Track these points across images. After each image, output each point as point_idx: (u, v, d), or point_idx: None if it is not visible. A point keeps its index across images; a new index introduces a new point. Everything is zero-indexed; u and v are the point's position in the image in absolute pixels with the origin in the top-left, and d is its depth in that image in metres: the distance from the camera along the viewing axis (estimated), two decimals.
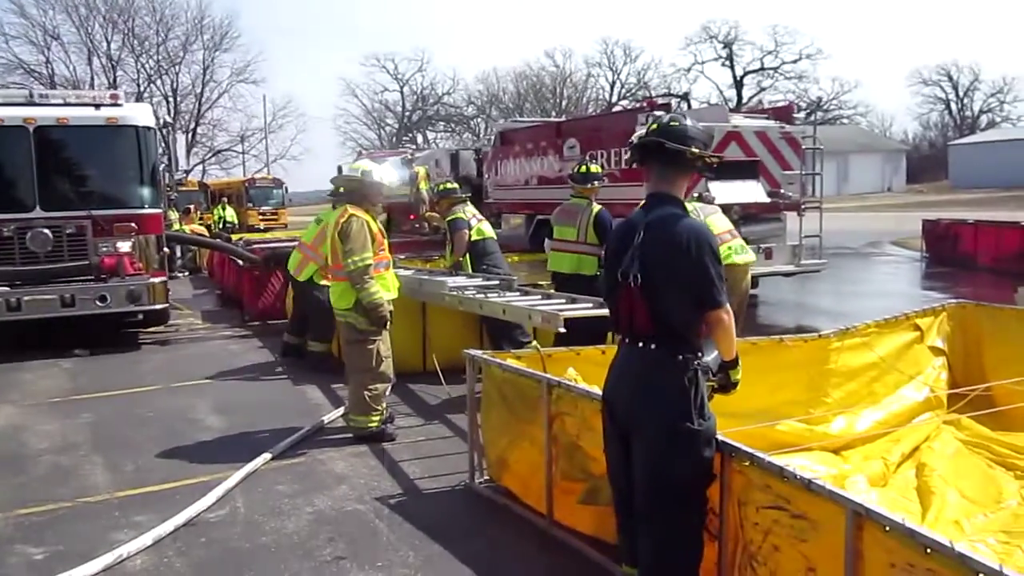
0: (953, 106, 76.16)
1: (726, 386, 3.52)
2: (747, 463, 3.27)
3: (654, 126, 3.53)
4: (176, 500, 5.24)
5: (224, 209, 26.77)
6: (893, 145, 70.55)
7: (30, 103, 10.68)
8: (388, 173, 6.99)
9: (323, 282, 8.31)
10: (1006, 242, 16.58)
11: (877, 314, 6.68)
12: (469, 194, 9.29)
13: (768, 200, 12.78)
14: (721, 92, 65.23)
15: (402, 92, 70.51)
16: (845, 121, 68.01)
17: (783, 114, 13.48)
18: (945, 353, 6.73)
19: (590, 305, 6.24)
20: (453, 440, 6.41)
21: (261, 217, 37.11)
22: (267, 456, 5.94)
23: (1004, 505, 4.75)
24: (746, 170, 12.59)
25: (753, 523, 3.20)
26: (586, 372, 5.22)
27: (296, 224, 36.31)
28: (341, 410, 7.13)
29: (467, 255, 8.48)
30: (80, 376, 9.04)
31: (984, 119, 74.45)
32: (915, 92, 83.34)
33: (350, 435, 6.46)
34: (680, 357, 3.32)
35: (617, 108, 61.48)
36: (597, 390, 4.34)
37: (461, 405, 7.01)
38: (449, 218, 8.56)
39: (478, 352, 5.37)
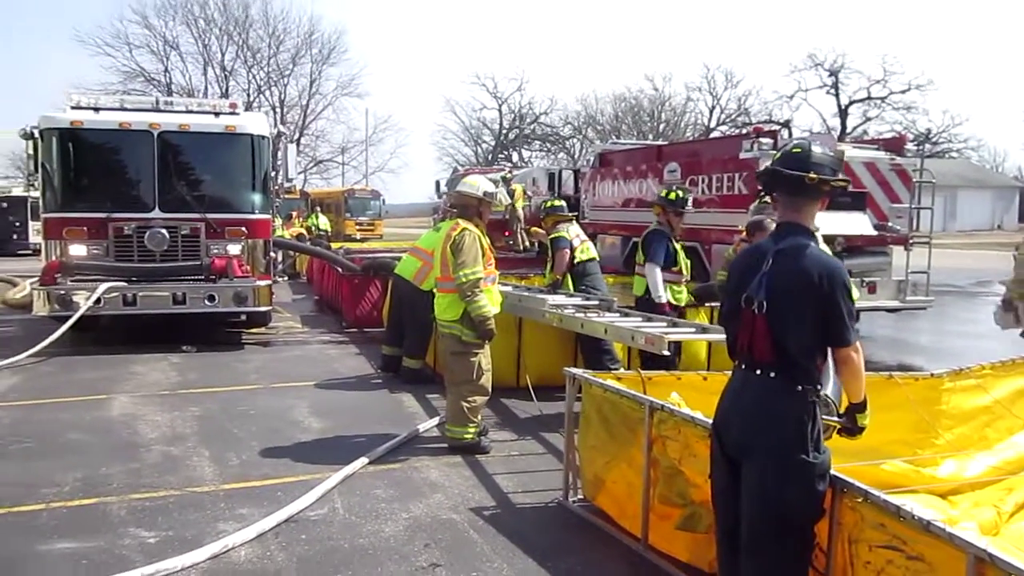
0: None
1: (851, 430, 3.46)
2: (860, 500, 3.20)
3: (777, 155, 3.52)
4: (277, 496, 5.41)
5: (317, 217, 27.49)
6: (1005, 181, 67.66)
7: (156, 109, 11.27)
8: (497, 190, 7.08)
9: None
10: None
11: (983, 355, 6.43)
12: (575, 214, 9.31)
13: (874, 233, 12.43)
14: (824, 121, 63.66)
15: (500, 110, 71.34)
16: (955, 155, 65.55)
17: (894, 145, 13.09)
18: None
19: (693, 329, 6.19)
20: (546, 457, 6.43)
21: (358, 227, 38.02)
22: (365, 460, 6.08)
23: None
24: (853, 201, 12.30)
25: (864, 562, 3.13)
26: (687, 397, 5.17)
27: (391, 235, 37.13)
28: (436, 420, 7.25)
29: (568, 274, 8.51)
30: (187, 371, 9.41)
31: None
32: None
33: (445, 445, 6.55)
34: (800, 388, 3.27)
35: (715, 134, 60.73)
36: (701, 415, 4.32)
37: (553, 422, 7.05)
38: (552, 236, 8.62)
39: (578, 370, 5.39)
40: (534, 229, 11.38)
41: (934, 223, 13.18)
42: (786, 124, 61.23)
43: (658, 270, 7.62)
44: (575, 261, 8.48)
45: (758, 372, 3.36)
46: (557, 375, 8.50)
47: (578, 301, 7.75)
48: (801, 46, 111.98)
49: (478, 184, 6.72)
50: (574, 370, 5.38)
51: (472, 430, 6.44)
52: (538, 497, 5.52)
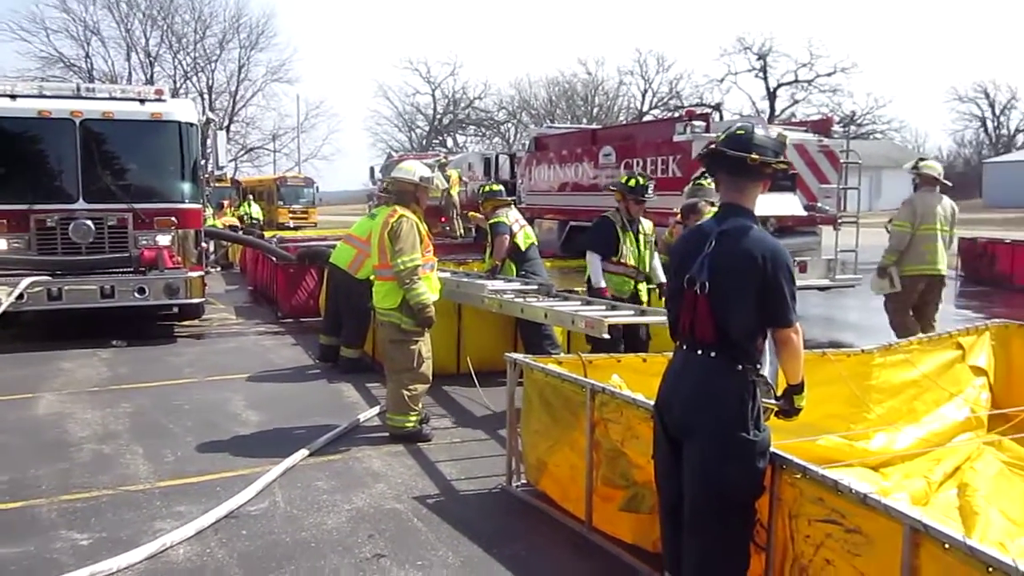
0: (989, 124, 75.24)
1: (788, 411, 3.51)
2: (799, 475, 3.26)
3: (721, 136, 3.55)
4: (216, 492, 5.30)
5: (250, 206, 27.00)
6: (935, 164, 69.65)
7: (77, 96, 10.86)
8: (433, 175, 7.02)
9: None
10: None
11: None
12: (513, 198, 9.27)
13: (804, 214, 12.70)
14: (754, 103, 64.88)
15: (434, 95, 70.83)
16: (879, 136, 67.39)
17: (822, 127, 13.38)
18: (987, 373, 6.65)
19: (631, 312, 6.24)
20: (488, 443, 6.43)
21: (291, 215, 37.43)
22: (305, 452, 5.99)
23: None
24: (783, 183, 12.53)
25: (804, 536, 3.19)
26: (628, 379, 5.21)
27: (325, 223, 36.65)
28: (377, 409, 7.18)
29: (507, 260, 8.49)
30: (118, 366, 9.15)
31: (1020, 138, 73.44)
32: (950, 109, 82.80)
33: (386, 434, 6.49)
34: (740, 367, 3.32)
35: (648, 117, 61.31)
36: (642, 397, 4.36)
37: (495, 408, 7.05)
38: (492, 221, 8.56)
39: (519, 356, 5.38)
40: (472, 214, 11.31)
41: (860, 203, 13.51)
42: (717, 107, 62.17)
43: (596, 257, 7.50)
44: (516, 247, 8.45)
45: (699, 352, 3.40)
46: (498, 360, 8.45)
47: (517, 286, 7.74)
48: (730, 30, 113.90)
49: (414, 169, 6.64)
50: (515, 355, 5.37)
51: (413, 418, 6.40)
52: (481, 483, 5.51)
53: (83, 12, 51.88)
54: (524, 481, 5.37)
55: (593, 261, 7.44)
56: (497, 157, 21.40)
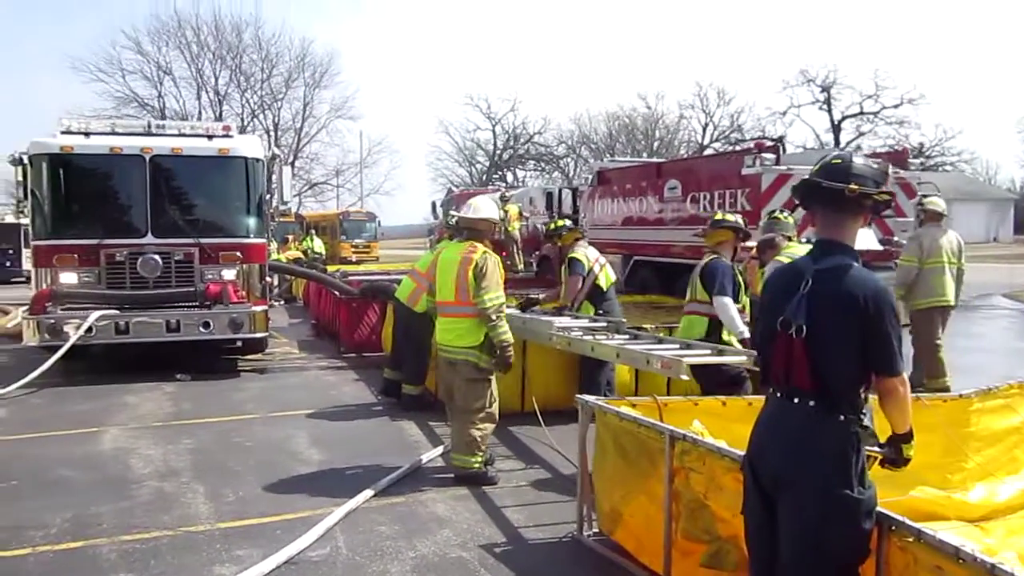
0: None
1: (896, 461, 3.21)
2: (911, 539, 2.95)
3: (815, 167, 3.30)
4: (277, 535, 5.13)
5: (313, 240, 27.24)
6: (999, 194, 67.78)
7: (148, 133, 11.04)
8: (495, 210, 6.85)
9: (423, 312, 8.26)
10: None
11: (998, 370, 6.20)
12: (584, 231, 9.02)
13: (880, 248, 12.27)
14: (818, 136, 63.72)
15: (494, 131, 71.25)
16: (948, 168, 65.59)
17: (898, 159, 12.97)
18: None
19: (709, 351, 5.95)
20: (556, 487, 6.16)
21: (354, 249, 37.78)
22: (368, 493, 5.81)
23: None
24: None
25: None
26: (706, 424, 4.93)
27: (387, 257, 36.94)
28: (440, 449, 6.98)
29: (585, 301, 8.16)
30: (182, 401, 9.13)
31: None
32: (1023, 139, 79.81)
33: (450, 475, 6.29)
34: (841, 418, 3.04)
35: (709, 151, 60.74)
36: (726, 445, 4.07)
37: (561, 449, 6.79)
38: (570, 256, 8.28)
39: (591, 398, 5.13)
40: (548, 246, 10.96)
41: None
42: (780, 140, 61.29)
43: (733, 304, 6.45)
44: (598, 288, 8.16)
45: (796, 400, 3.12)
46: (563, 399, 8.28)
47: (585, 323, 7.50)
48: (793, 62, 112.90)
49: (490, 208, 6.56)
50: (587, 397, 5.13)
51: (480, 459, 6.19)
52: (551, 531, 5.25)
53: (156, 53, 53.63)
54: (596, 530, 5.09)
55: (732, 307, 6.42)
56: (560, 191, 21.26)
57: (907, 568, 2.95)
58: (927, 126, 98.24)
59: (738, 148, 29.00)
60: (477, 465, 6.18)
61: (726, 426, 5.01)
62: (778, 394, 3.22)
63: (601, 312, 8.11)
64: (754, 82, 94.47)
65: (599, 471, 5.00)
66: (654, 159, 26.97)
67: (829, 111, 63.61)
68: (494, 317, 6.12)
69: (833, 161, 3.23)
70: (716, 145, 65.41)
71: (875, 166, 3.25)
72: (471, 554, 4.90)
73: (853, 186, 3.11)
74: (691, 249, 13.54)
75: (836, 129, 63.71)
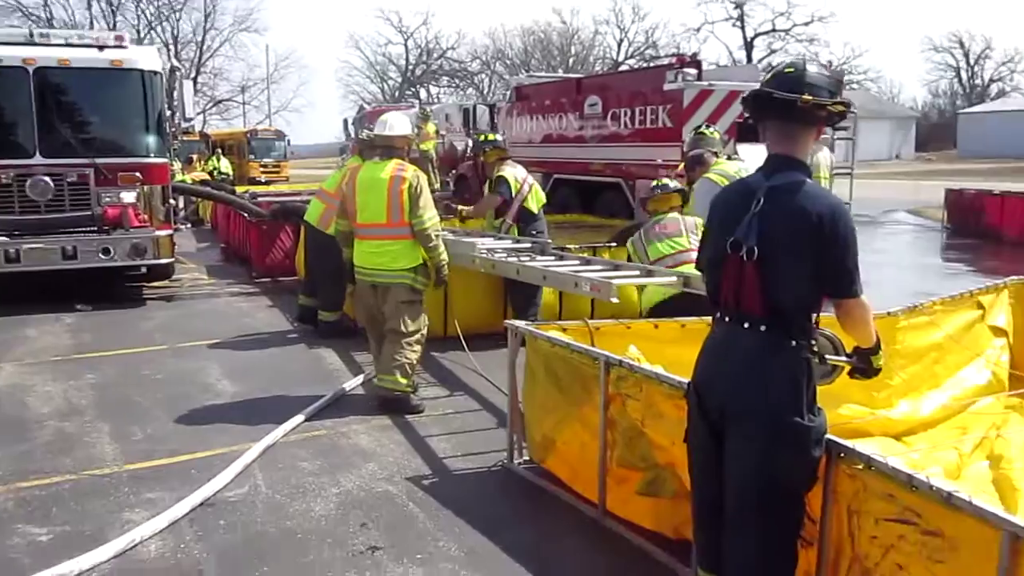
0: (963, 74, 75.09)
1: (866, 370, 3.12)
2: (861, 466, 2.86)
3: (767, 76, 3.07)
4: (191, 475, 4.84)
5: (219, 160, 26.04)
6: (903, 112, 69.59)
7: (30, 43, 10.07)
8: (409, 126, 6.50)
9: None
10: None
11: (908, 286, 6.25)
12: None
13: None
14: (731, 53, 64.11)
15: (406, 45, 69.17)
16: (855, 87, 66.93)
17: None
18: (1007, 333, 6.31)
19: (637, 273, 5.79)
20: (483, 414, 6.01)
21: (263, 170, 36.35)
22: (288, 426, 5.54)
23: None
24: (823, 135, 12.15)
25: (870, 536, 2.79)
26: (639, 348, 4.81)
27: (298, 177, 35.80)
28: (361, 377, 6.73)
29: (513, 224, 7.94)
30: (83, 332, 8.60)
31: (994, 88, 73.38)
32: (926, 59, 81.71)
33: (372, 406, 6.06)
34: (793, 343, 2.89)
35: (624, 67, 60.37)
36: (664, 371, 3.93)
37: (487, 375, 6.63)
38: (497, 174, 7.96)
39: (521, 323, 4.93)
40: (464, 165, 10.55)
41: (836, 154, 13.12)
42: (694, 57, 61.38)
43: None
44: (525, 207, 7.89)
45: (746, 325, 2.95)
46: (487, 323, 8.10)
47: (508, 244, 7.27)
48: None
49: (405, 124, 6.22)
50: (516, 323, 4.92)
51: (410, 382, 6.03)
52: (480, 460, 5.10)
53: None
54: (527, 459, 4.96)
55: None
56: (475, 108, 20.69)
57: (856, 495, 2.87)
58: (836, 44, 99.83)
59: (653, 64, 28.77)
60: (408, 388, 5.99)
61: (659, 349, 4.90)
62: (727, 319, 3.05)
63: (531, 235, 7.89)
64: None
65: (530, 399, 4.84)
66: (573, 75, 26.50)
67: (742, 28, 64.03)
68: (434, 237, 5.94)
69: (786, 70, 3.00)
70: (631, 62, 65.11)
71: (829, 75, 3.03)
72: (398, 487, 4.72)
73: (807, 96, 2.89)
74: (612, 167, 13.40)
75: (749, 46, 64.16)
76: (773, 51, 63.77)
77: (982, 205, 17.71)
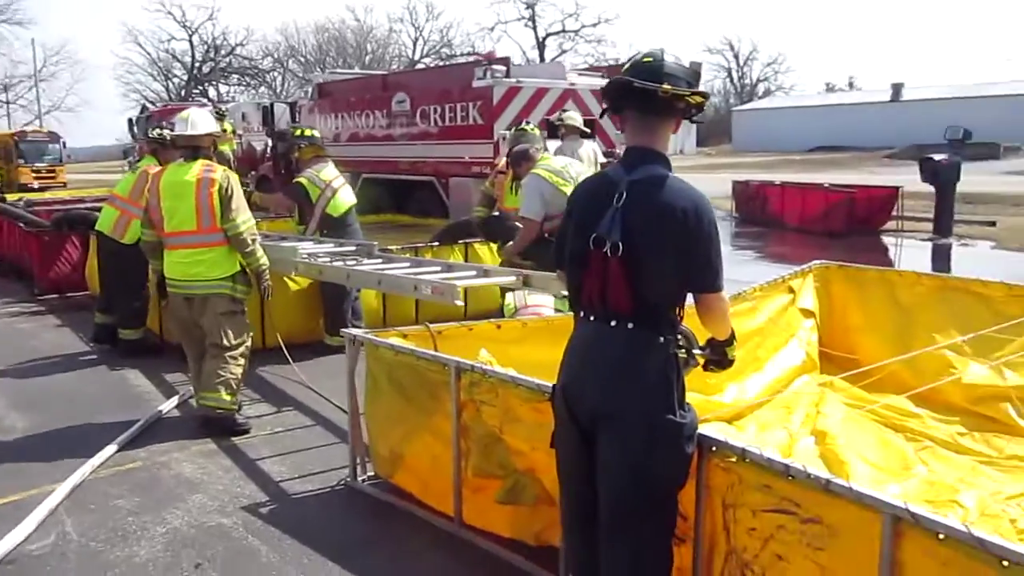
0: (734, 75, 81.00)
1: (721, 362, 3.10)
2: (734, 459, 2.84)
3: (627, 66, 2.99)
4: None
5: None
6: None
7: None
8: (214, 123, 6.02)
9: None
10: (810, 204, 17.42)
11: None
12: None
13: (605, 160, 12.62)
14: (524, 53, 65.68)
15: (191, 41, 65.44)
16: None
17: (617, 73, 13.27)
18: (814, 314, 6.71)
19: (473, 273, 5.64)
20: (316, 430, 5.65)
21: (35, 175, 33.17)
22: (97, 461, 4.94)
23: (914, 472, 4.67)
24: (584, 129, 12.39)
25: (748, 528, 2.78)
26: (479, 350, 4.67)
27: (78, 183, 32.95)
28: (176, 399, 6.16)
29: (319, 231, 7.55)
30: None
31: (761, 88, 79.68)
32: (701, 60, 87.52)
33: (193, 428, 5.56)
34: (662, 339, 2.84)
35: (420, 66, 60.36)
36: (518, 374, 3.80)
37: (316, 387, 6.29)
38: (296, 179, 7.57)
39: (359, 331, 4.64)
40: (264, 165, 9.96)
41: None
42: (489, 55, 62.31)
43: None
44: (325, 214, 7.52)
45: (613, 324, 2.87)
46: (307, 331, 7.72)
47: (331, 248, 6.91)
48: None
49: (209, 121, 5.76)
50: (354, 331, 4.63)
51: (235, 399, 5.58)
52: (320, 481, 4.77)
53: None
54: (372, 474, 4.68)
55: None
56: (272, 106, 19.80)
57: (731, 489, 2.86)
58: (622, 45, 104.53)
59: (463, 61, 28.82)
60: (232, 405, 5.54)
61: (503, 350, 4.78)
62: (592, 318, 2.95)
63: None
64: None
65: (372, 411, 4.57)
66: (378, 71, 26.05)
67: (534, 28, 65.80)
68: (251, 241, 5.53)
69: (644, 59, 2.93)
70: (427, 60, 65.16)
71: (687, 65, 3.00)
72: (233, 519, 4.31)
73: (666, 86, 2.84)
74: (423, 165, 13.23)
75: (541, 46, 66.00)
76: (564, 51, 66.03)
77: (765, 195, 19.01)
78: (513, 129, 7.33)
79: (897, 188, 15.95)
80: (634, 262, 2.80)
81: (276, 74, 67.51)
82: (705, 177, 35.73)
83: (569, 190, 6.44)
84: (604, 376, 2.88)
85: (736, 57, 79.16)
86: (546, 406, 3.53)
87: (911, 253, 14.13)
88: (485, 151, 12.00)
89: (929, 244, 14.95)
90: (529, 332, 5.02)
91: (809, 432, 5.29)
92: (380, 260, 6.40)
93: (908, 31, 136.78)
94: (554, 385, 3.17)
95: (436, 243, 8.71)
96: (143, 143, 23.87)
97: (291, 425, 5.74)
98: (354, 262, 6.27)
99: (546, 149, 9.90)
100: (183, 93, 61.99)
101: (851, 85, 77.36)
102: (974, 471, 4.71)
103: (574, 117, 9.78)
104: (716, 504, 2.93)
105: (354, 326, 7.70)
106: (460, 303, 4.98)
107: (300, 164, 7.77)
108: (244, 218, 5.54)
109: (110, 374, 7.10)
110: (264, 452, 5.22)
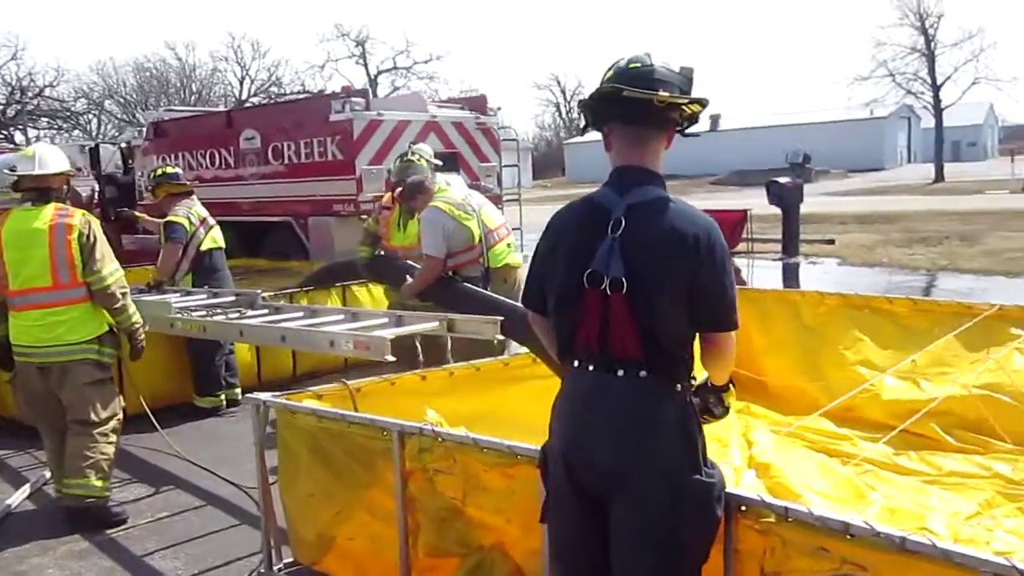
0: (562, 108, 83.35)
1: (715, 410, 2.69)
2: (772, 519, 2.47)
3: (609, 73, 2.59)
4: None
5: None
6: (522, 144, 75.35)
7: None
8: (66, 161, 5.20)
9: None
10: None
11: None
12: (191, 188, 7.40)
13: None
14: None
15: None
16: None
17: (478, 105, 13.06)
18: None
19: (386, 320, 5.06)
20: (207, 511, 4.88)
21: None
22: None
23: (870, 499, 4.48)
24: (447, 163, 11.99)
25: None
26: (407, 403, 4.15)
27: None
28: (27, 488, 5.21)
29: (188, 273, 6.78)
30: None
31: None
32: (532, 96, 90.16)
33: (56, 523, 4.67)
34: (679, 386, 2.45)
35: (248, 104, 58.39)
36: (475, 434, 3.30)
37: (194, 457, 5.52)
38: (168, 219, 6.77)
39: (267, 395, 3.98)
40: (140, 215, 8.79)
41: (521, 180, 13.51)
42: (321, 92, 61.14)
43: None
44: (200, 256, 6.76)
45: (620, 373, 2.45)
46: (172, 393, 6.86)
47: (203, 299, 6.14)
48: (327, 16, 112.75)
49: (62, 159, 4.96)
50: (262, 395, 3.96)
51: (106, 484, 4.74)
52: (226, 574, 4.05)
53: None
54: (290, 560, 4.01)
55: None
56: (97, 147, 18.16)
57: (771, 554, 2.48)
58: (454, 81, 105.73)
59: (315, 94, 27.80)
60: (105, 492, 4.71)
61: (427, 402, 4.28)
62: (590, 368, 2.52)
63: (208, 286, 6.78)
64: (289, 35, 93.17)
65: (290, 489, 3.91)
66: (220, 108, 24.68)
67: (365, 65, 65.13)
68: (120, 296, 4.76)
69: (631, 65, 2.54)
70: (255, 99, 63.05)
71: (678, 70, 2.63)
72: None
73: (663, 93, 2.47)
74: (278, 205, 12.44)
75: (373, 83, 65.28)
76: (396, 88, 65.52)
77: None
78: (399, 160, 6.80)
79: (745, 211, 16.53)
80: (640, 299, 2.40)
81: (91, 116, 63.36)
82: (549, 208, 36.27)
83: (472, 224, 6.00)
84: (615, 435, 2.45)
85: (563, 92, 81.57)
86: (518, 470, 3.09)
87: (764, 273, 14.57)
88: (347, 188, 11.35)
89: (780, 264, 15.51)
90: (455, 382, 4.53)
91: (748, 465, 5.06)
92: (267, 310, 5.70)
93: (721, 64, 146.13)
94: (542, 448, 2.71)
95: (310, 287, 8.03)
96: None
97: (176, 508, 4.95)
98: (237, 314, 5.54)
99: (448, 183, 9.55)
100: None
101: None
102: (923, 492, 4.59)
103: (424, 150, 9.20)
104: (751, 572, 2.54)
105: (228, 384, 6.95)
106: (391, 358, 4.36)
107: (164, 204, 6.98)
108: (111, 269, 4.75)
109: None
110: (150, 545, 4.42)
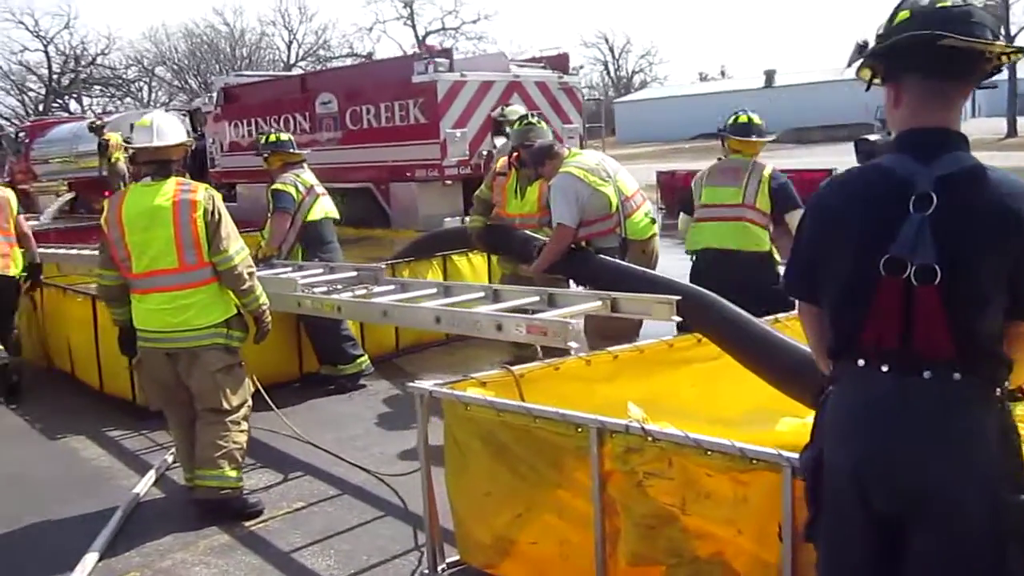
0: (610, 67, 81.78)
1: None
2: None
3: (904, 14, 2.13)
4: None
5: None
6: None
7: None
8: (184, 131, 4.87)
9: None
10: None
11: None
12: (303, 156, 7.10)
13: None
14: (404, 52, 64.33)
15: (47, 52, 60.83)
16: None
17: (560, 64, 12.53)
18: None
19: (537, 298, 4.66)
20: (344, 501, 4.59)
21: None
22: (86, 567, 3.78)
23: None
24: None
25: None
26: (575, 392, 3.80)
27: None
28: (152, 475, 4.97)
29: (298, 245, 6.50)
30: None
31: (637, 79, 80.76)
32: (579, 55, 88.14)
33: (190, 516, 4.41)
34: (998, 391, 2.05)
35: (297, 69, 58.20)
36: (699, 435, 2.91)
37: (313, 438, 5.26)
38: (275, 186, 6.50)
39: (429, 385, 3.64)
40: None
41: (604, 142, 13.02)
42: (369, 56, 60.70)
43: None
44: (308, 223, 6.48)
45: (927, 375, 2.04)
46: (283, 369, 6.62)
47: (322, 275, 5.83)
48: None
49: (179, 128, 4.63)
50: (424, 385, 3.62)
51: (240, 474, 4.48)
52: (386, 574, 3.76)
53: None
54: (454, 560, 3.69)
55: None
56: (196, 111, 17.86)
57: None
58: (502, 41, 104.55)
59: (401, 56, 27.29)
60: (239, 483, 4.46)
61: (590, 389, 3.95)
62: (883, 368, 2.12)
63: (318, 259, 6.48)
64: None
65: (459, 486, 3.59)
66: (291, 72, 24.41)
67: (413, 26, 64.41)
68: (247, 277, 4.43)
69: (939, 4, 2.08)
70: (303, 64, 62.84)
71: (987, 9, 2.17)
72: None
73: (998, 43, 2.03)
74: (358, 171, 12.09)
75: (421, 44, 64.64)
76: (445, 49, 64.93)
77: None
78: (518, 123, 6.39)
79: (830, 171, 15.76)
80: (957, 290, 1.99)
81: (143, 83, 63.73)
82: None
83: (609, 190, 5.57)
84: (926, 449, 2.04)
85: (611, 50, 79.95)
86: (753, 476, 2.71)
87: None
88: (430, 152, 10.98)
89: None
90: (620, 366, 4.15)
91: None
92: (393, 287, 5.35)
93: (774, 20, 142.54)
94: (812, 457, 2.33)
95: (410, 257, 7.70)
96: (12, 162, 21.73)
97: (310, 497, 4.67)
98: (364, 291, 5.21)
99: (494, 147, 9.16)
100: (42, 107, 57.64)
101: (723, 74, 79.53)
102: None
103: (519, 111, 8.78)
104: None
105: (352, 354, 6.62)
106: (575, 345, 3.95)
107: (276, 173, 6.70)
108: (237, 247, 4.43)
109: (51, 445, 5.78)
110: (295, 540, 4.14)
